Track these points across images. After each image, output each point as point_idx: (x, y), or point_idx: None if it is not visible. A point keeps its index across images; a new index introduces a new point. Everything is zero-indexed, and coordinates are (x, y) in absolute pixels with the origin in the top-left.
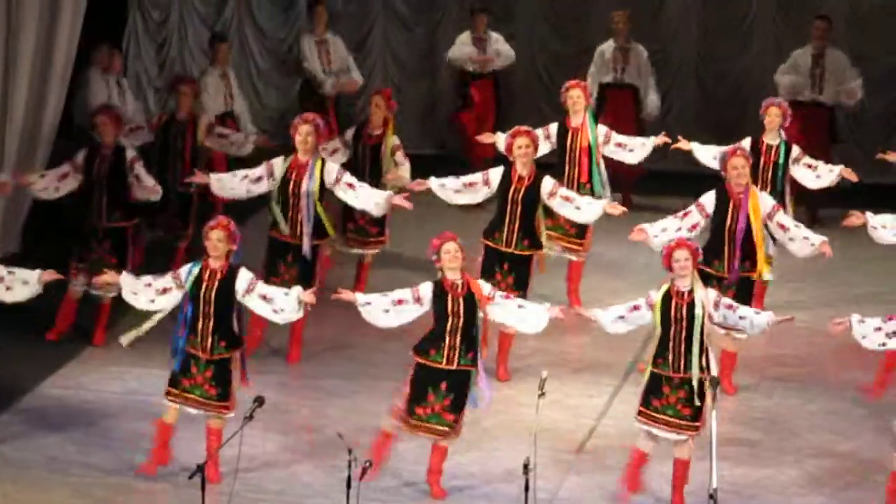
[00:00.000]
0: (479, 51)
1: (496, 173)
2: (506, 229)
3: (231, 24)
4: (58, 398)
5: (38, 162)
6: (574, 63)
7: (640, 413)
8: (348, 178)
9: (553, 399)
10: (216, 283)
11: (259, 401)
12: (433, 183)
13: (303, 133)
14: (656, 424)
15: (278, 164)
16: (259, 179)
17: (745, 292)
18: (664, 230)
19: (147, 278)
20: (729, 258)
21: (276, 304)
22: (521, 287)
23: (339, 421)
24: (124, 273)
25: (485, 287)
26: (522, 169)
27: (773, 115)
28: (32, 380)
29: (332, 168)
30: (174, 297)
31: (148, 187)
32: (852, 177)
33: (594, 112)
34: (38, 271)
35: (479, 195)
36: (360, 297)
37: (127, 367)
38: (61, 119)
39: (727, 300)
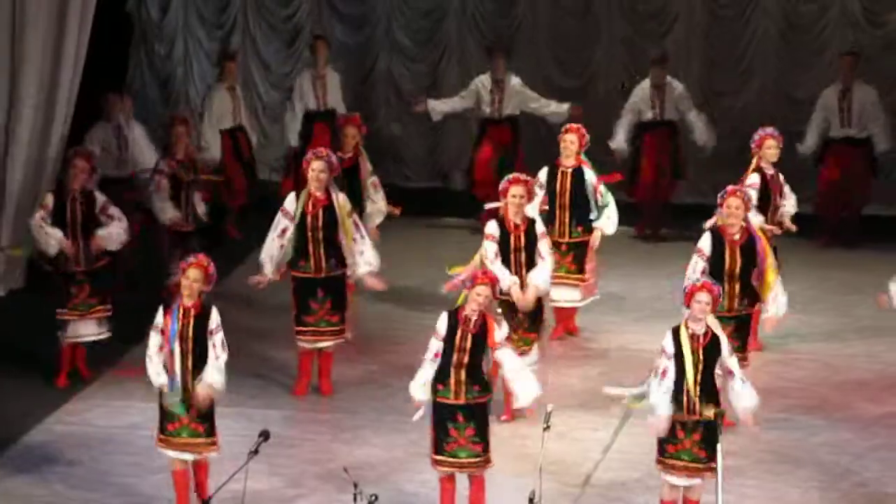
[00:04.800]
0: (497, 93)
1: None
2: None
3: (235, 57)
4: (63, 434)
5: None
6: (578, 97)
7: (658, 462)
8: (355, 220)
9: (558, 432)
10: (192, 321)
11: (264, 435)
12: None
13: (316, 169)
14: (674, 472)
15: (291, 203)
16: (285, 231)
17: (744, 327)
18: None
19: (152, 352)
20: (730, 298)
21: (210, 363)
22: (534, 329)
23: (344, 455)
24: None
25: (499, 333)
26: (515, 216)
27: (773, 147)
28: (37, 416)
29: (345, 204)
30: None
31: (120, 225)
32: (790, 227)
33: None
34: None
35: None
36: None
37: (131, 401)
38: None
39: (728, 365)
